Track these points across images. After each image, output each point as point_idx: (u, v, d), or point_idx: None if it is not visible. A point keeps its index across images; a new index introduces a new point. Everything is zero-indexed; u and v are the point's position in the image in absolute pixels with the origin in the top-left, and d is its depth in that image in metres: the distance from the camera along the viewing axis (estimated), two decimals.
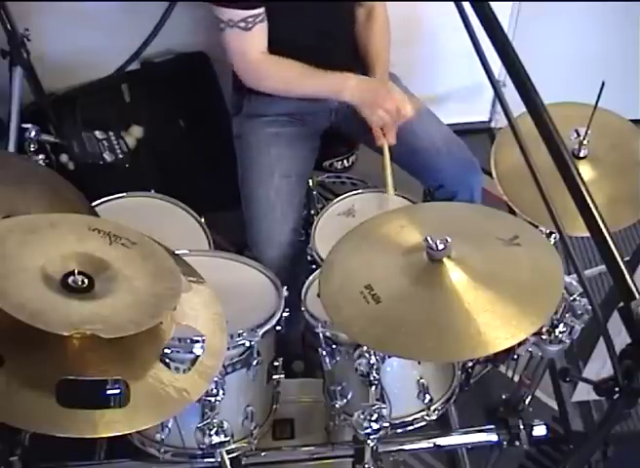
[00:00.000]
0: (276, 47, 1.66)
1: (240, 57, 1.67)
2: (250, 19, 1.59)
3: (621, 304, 0.77)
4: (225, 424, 1.27)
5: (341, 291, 1.21)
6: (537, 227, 1.32)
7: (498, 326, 1.09)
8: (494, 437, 1.55)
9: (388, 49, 1.84)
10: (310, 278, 1.52)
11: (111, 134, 2.19)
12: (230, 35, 1.62)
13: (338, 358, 1.42)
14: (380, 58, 1.80)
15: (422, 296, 1.17)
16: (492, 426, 1.56)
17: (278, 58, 1.67)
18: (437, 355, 1.18)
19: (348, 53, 1.81)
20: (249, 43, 1.64)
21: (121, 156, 2.17)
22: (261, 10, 1.60)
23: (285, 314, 1.41)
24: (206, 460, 1.37)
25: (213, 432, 1.26)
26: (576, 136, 1.37)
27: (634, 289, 0.77)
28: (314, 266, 1.63)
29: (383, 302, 1.16)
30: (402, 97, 1.66)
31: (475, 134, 2.57)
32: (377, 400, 1.34)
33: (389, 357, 1.35)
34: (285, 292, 1.44)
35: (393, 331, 1.14)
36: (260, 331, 1.35)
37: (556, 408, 1.91)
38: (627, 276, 0.77)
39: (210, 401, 1.28)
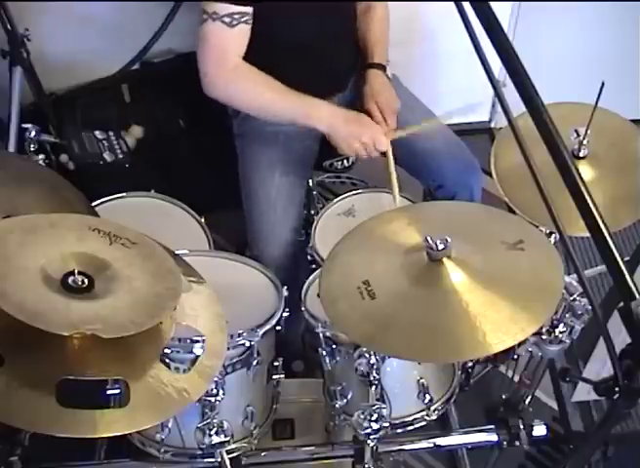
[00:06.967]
0: (276, 46, 1.63)
1: (216, 56, 1.55)
2: (236, 16, 1.52)
3: (621, 304, 0.77)
4: (225, 424, 1.27)
5: (340, 284, 1.21)
6: (537, 227, 1.32)
7: (496, 327, 1.09)
8: (494, 437, 1.54)
9: (387, 37, 1.82)
10: (310, 278, 1.52)
11: (111, 134, 2.19)
12: (212, 29, 1.52)
13: (338, 358, 1.42)
14: (379, 44, 1.78)
15: (419, 296, 1.16)
16: (492, 426, 1.55)
17: (254, 69, 1.58)
18: (426, 355, 1.18)
19: (349, 52, 1.81)
20: (229, 41, 1.55)
21: (121, 156, 2.16)
22: (249, 9, 1.53)
23: (285, 314, 1.41)
24: (206, 460, 1.38)
25: (213, 432, 1.26)
26: (575, 135, 1.37)
27: (634, 289, 0.77)
28: (314, 266, 1.63)
29: (378, 299, 1.16)
30: (378, 130, 1.61)
31: (475, 134, 2.57)
32: (377, 400, 1.34)
33: (389, 357, 1.35)
34: (285, 292, 1.44)
35: (382, 328, 1.14)
36: (260, 331, 1.35)
37: (556, 408, 1.90)
38: (627, 276, 0.77)
39: (210, 401, 1.28)
